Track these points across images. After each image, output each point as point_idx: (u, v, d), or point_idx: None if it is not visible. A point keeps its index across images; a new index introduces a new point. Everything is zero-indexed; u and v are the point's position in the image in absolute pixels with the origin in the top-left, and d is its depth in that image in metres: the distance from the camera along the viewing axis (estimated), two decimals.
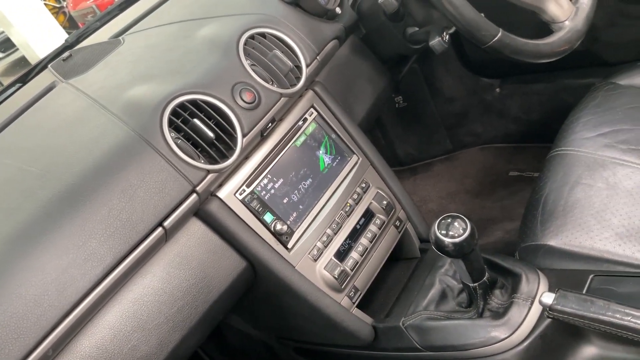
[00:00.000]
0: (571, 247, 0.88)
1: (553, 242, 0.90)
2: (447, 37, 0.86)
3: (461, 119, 1.55)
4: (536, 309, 0.75)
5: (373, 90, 1.01)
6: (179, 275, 0.74)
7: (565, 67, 1.37)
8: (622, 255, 0.84)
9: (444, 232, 0.71)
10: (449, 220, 0.72)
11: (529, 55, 0.80)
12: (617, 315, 0.60)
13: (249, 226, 0.78)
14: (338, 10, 0.94)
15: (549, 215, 0.94)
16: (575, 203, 0.93)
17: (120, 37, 0.94)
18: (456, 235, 0.70)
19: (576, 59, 1.32)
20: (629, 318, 0.59)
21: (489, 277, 0.78)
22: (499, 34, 0.75)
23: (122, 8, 1.11)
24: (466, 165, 1.56)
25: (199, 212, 0.76)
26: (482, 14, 0.74)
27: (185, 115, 0.75)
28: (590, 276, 0.75)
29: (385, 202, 0.91)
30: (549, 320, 0.71)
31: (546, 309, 0.65)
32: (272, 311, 0.89)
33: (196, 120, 0.74)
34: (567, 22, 0.86)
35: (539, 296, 0.75)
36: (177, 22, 0.93)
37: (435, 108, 1.54)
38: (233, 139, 0.77)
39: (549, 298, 0.66)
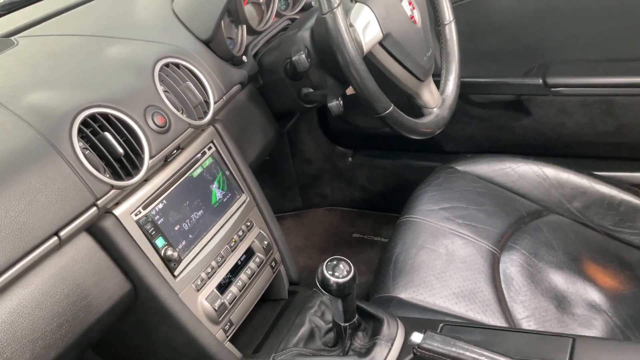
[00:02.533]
0: (418, 301, 1.01)
1: (403, 295, 1.02)
2: (342, 101, 0.97)
3: (314, 181, 1.68)
4: (396, 350, 0.84)
5: (263, 137, 1.08)
6: (62, 291, 0.70)
7: (410, 149, 1.58)
8: (458, 312, 0.99)
9: (330, 272, 0.78)
10: (335, 262, 0.79)
11: (407, 131, 0.94)
12: (475, 355, 0.71)
13: (140, 248, 0.77)
14: (244, 58, 1.01)
15: (400, 272, 1.07)
16: (421, 264, 1.07)
17: (12, 38, 0.89)
18: (340, 276, 0.78)
19: (421, 144, 1.54)
20: (483, 358, 0.71)
21: (358, 319, 0.86)
22: (391, 108, 0.88)
23: (8, 9, 1.05)
24: (314, 224, 1.67)
25: (91, 228, 0.74)
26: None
27: (96, 127, 0.74)
28: (441, 324, 0.87)
29: (265, 243, 0.96)
30: (410, 357, 0.80)
31: (415, 347, 0.75)
32: (140, 343, 0.87)
33: (107, 134, 0.74)
34: (435, 109, 1.03)
35: (399, 338, 0.85)
36: (82, 35, 0.91)
37: (293, 167, 1.64)
38: (140, 158, 0.77)
39: (417, 337, 0.75)
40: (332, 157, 1.66)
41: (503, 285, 1.06)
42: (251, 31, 1.07)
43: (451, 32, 1.10)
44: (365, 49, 0.87)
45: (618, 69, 1.24)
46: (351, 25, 0.84)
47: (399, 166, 1.60)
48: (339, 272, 0.77)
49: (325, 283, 0.77)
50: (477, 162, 1.28)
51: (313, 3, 1.23)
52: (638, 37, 1.23)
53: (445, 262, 1.07)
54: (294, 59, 0.94)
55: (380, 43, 0.91)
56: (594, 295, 1.06)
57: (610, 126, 1.29)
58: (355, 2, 0.90)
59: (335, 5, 0.80)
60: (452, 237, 1.12)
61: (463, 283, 1.04)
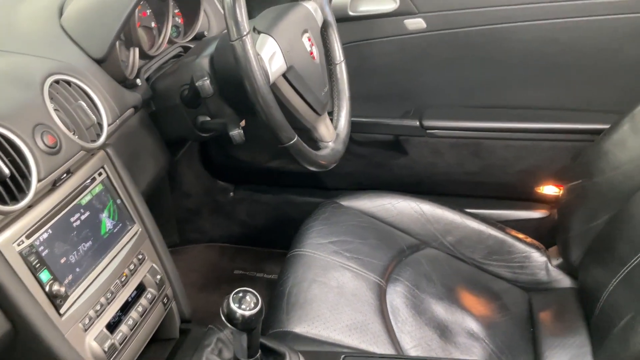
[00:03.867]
0: (313, 335, 1.01)
1: (298, 330, 1.01)
2: (242, 131, 0.96)
3: (193, 215, 1.62)
4: None
5: (155, 165, 1.02)
6: None
7: (292, 185, 1.60)
8: (352, 344, 1.00)
9: (237, 304, 0.74)
10: (241, 294, 0.76)
11: (307, 162, 0.95)
12: None
13: (22, 283, 0.68)
14: (138, 81, 0.96)
15: (293, 306, 1.06)
16: (314, 297, 1.07)
17: None
18: (247, 308, 0.75)
19: (302, 180, 1.57)
20: None
21: (260, 354, 0.83)
22: (295, 139, 0.88)
23: None
24: (192, 260, 1.61)
25: None
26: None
27: None
28: (342, 356, 0.87)
29: (158, 277, 0.90)
30: None
31: None
32: None
33: None
34: (331, 143, 1.05)
35: None
36: None
37: (171, 200, 1.57)
38: (27, 181, 0.69)
39: None
40: (213, 192, 1.62)
41: (391, 317, 1.09)
42: (143, 55, 1.02)
43: (342, 71, 1.15)
44: (271, 79, 0.87)
45: (485, 115, 1.37)
46: (257, 55, 0.83)
47: (281, 202, 1.60)
48: (246, 304, 0.74)
49: (231, 316, 0.74)
50: (360, 198, 1.33)
51: (206, 33, 1.21)
52: (502, 87, 1.37)
53: (337, 295, 1.09)
54: (197, 84, 0.91)
55: (284, 75, 0.91)
56: (472, 324, 1.13)
57: (477, 166, 1.41)
58: (259, 32, 0.90)
59: (245, 33, 0.80)
60: (342, 270, 1.14)
61: (355, 316, 1.06)
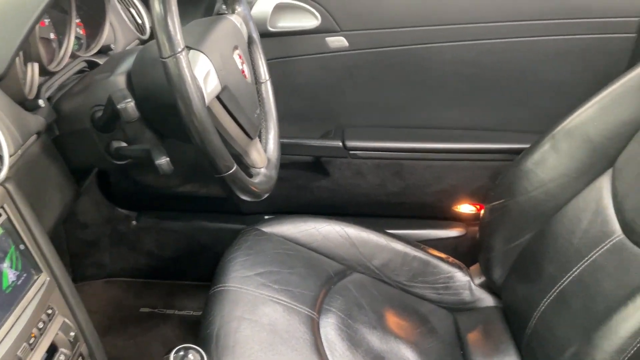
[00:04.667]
0: None
1: None
2: (169, 159, 0.84)
3: (90, 248, 1.45)
4: None
5: (61, 199, 0.87)
6: None
7: (203, 210, 1.48)
8: None
9: None
10: (183, 353, 0.66)
11: (245, 192, 0.86)
12: None
13: None
14: (41, 102, 0.81)
15: (223, 351, 0.96)
16: (246, 339, 0.98)
17: None
18: None
19: (215, 204, 1.46)
20: None
21: None
22: (234, 168, 0.79)
23: None
24: (90, 299, 1.43)
25: None
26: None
27: None
28: None
29: (72, 334, 0.76)
30: None
31: None
32: None
33: None
34: (263, 169, 0.97)
35: None
36: None
37: (64, 233, 1.39)
38: None
39: None
40: (113, 220, 1.46)
41: (327, 353, 1.03)
42: (43, 71, 0.87)
43: (267, 90, 1.08)
44: (207, 100, 0.78)
45: (407, 135, 1.36)
46: (193, 74, 0.73)
47: (192, 229, 1.48)
48: None
49: None
50: (283, 223, 1.26)
51: (112, 46, 1.08)
52: (424, 107, 1.37)
53: (270, 333, 1.00)
54: (119, 107, 0.78)
55: (218, 96, 0.82)
56: (406, 353, 1.09)
57: (399, 187, 1.40)
58: (189, 48, 0.80)
59: (179, 49, 0.70)
60: (272, 304, 1.06)
61: (291, 355, 0.98)
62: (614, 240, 0.97)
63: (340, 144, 1.34)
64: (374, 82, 1.34)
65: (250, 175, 0.94)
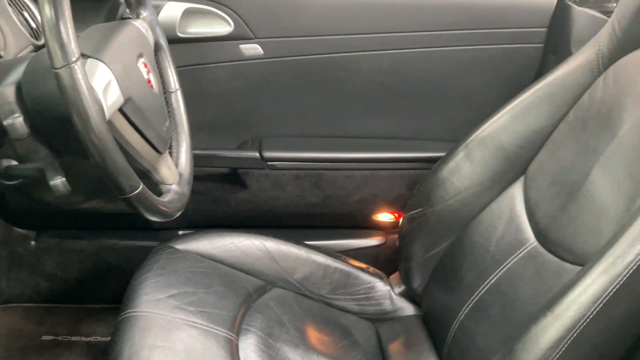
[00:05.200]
0: None
1: None
2: (65, 178, 0.76)
3: None
4: None
5: None
6: None
7: (110, 227, 1.39)
8: None
9: None
10: None
11: (150, 212, 0.79)
12: None
13: None
14: None
15: None
16: None
17: None
18: None
19: (123, 220, 1.37)
20: None
21: None
22: (140, 187, 0.73)
23: None
24: None
25: None
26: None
27: None
28: None
29: None
30: None
31: None
32: None
33: None
34: (174, 186, 0.91)
35: None
36: None
37: None
38: None
39: None
40: (8, 241, 1.33)
41: None
42: None
43: (178, 100, 1.02)
44: (107, 114, 0.71)
45: (326, 145, 1.34)
46: (90, 85, 0.66)
47: (99, 248, 1.38)
48: None
49: None
50: (198, 239, 1.20)
51: (2, 53, 0.97)
52: (342, 117, 1.35)
53: None
54: (5, 123, 0.70)
55: (121, 109, 0.75)
56: None
57: (318, 197, 1.37)
58: (87, 57, 0.73)
59: (74, 58, 0.63)
60: (187, 328, 1.00)
61: None
62: (528, 248, 0.99)
63: (258, 154, 1.30)
64: (291, 90, 1.31)
65: (160, 193, 0.88)
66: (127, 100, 0.76)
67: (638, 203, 0.76)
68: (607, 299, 0.72)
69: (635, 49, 0.92)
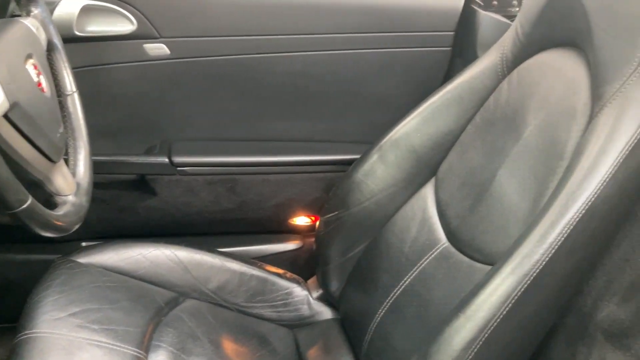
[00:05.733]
0: None
1: None
2: None
3: None
4: None
5: None
6: None
7: (6, 239, 1.29)
8: None
9: None
10: None
11: (42, 227, 0.73)
12: None
13: None
14: None
15: None
16: None
17: None
18: None
19: (18, 232, 1.26)
20: None
21: None
22: (29, 202, 0.66)
23: None
24: None
25: None
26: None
27: None
28: None
29: None
30: None
31: None
32: None
33: None
34: (71, 197, 0.84)
35: None
36: None
37: None
38: None
39: None
40: None
41: None
42: None
43: (75, 104, 0.95)
44: None
45: (241, 149, 1.30)
46: None
47: None
48: None
49: None
50: (103, 251, 1.13)
51: None
52: (257, 119, 1.32)
53: None
54: None
55: (6, 115, 0.68)
56: None
57: (234, 203, 1.33)
58: None
59: None
60: (91, 348, 0.94)
61: None
62: (440, 248, 1.00)
63: (167, 159, 1.24)
64: (201, 92, 1.26)
65: (55, 206, 0.81)
66: (13, 106, 0.69)
67: (543, 203, 0.78)
68: (516, 298, 0.73)
69: (537, 52, 0.95)
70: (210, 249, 1.21)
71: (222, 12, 1.18)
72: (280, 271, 1.26)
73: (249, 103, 1.29)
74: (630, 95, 0.74)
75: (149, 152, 1.27)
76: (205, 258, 1.19)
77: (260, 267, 1.24)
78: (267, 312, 1.23)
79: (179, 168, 1.25)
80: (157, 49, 1.18)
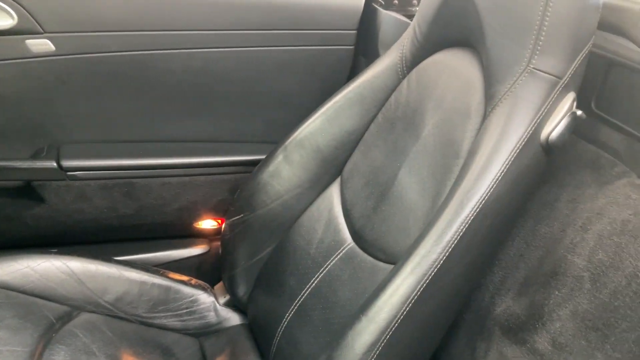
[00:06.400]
0: None
1: None
2: None
3: None
4: None
5: None
6: None
7: None
8: None
9: None
10: None
11: None
12: None
13: None
14: None
15: None
16: None
17: None
18: None
19: None
20: None
21: None
22: None
23: None
24: None
25: None
26: None
27: None
28: None
29: None
30: None
31: None
32: None
33: None
34: None
35: None
36: None
37: None
38: None
39: None
40: None
41: None
42: None
43: None
44: None
45: (138, 151, 1.23)
46: None
47: None
48: None
49: None
50: None
51: None
52: (155, 120, 1.25)
53: None
54: None
55: None
56: None
57: (131, 208, 1.27)
58: None
59: None
60: None
61: None
62: (346, 249, 0.99)
63: (55, 164, 1.15)
64: (91, 91, 1.17)
65: None
66: None
67: (441, 202, 0.79)
68: (416, 297, 0.74)
69: (434, 52, 0.97)
70: (107, 258, 1.14)
71: (112, 5, 1.10)
72: (185, 278, 1.21)
73: (145, 102, 1.22)
74: (520, 95, 0.77)
75: (35, 156, 1.18)
76: (100, 268, 1.12)
77: (163, 275, 1.18)
78: (171, 322, 1.17)
79: (69, 173, 1.17)
80: (40, 45, 1.09)
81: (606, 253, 0.76)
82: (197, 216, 1.36)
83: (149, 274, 1.16)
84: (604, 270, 0.76)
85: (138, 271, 1.16)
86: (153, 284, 1.16)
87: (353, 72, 1.32)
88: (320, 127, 1.07)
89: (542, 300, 0.83)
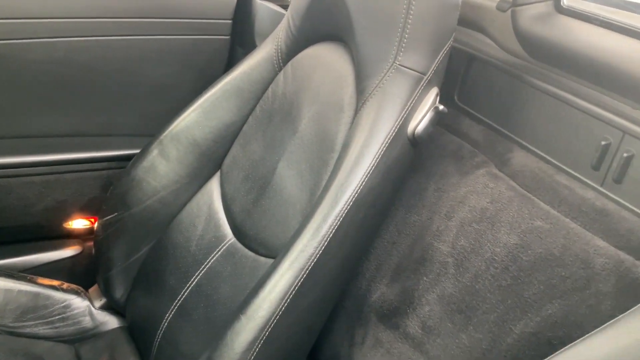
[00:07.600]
0: None
1: None
2: None
3: None
4: None
5: None
6: None
7: None
8: None
9: None
10: None
11: None
12: None
13: None
14: None
15: None
16: None
17: None
18: None
19: None
20: None
21: None
22: None
23: None
24: None
25: None
26: None
27: None
28: None
29: None
30: None
31: None
32: None
33: None
34: None
35: None
36: None
37: None
38: None
39: None
40: None
41: None
42: None
43: None
44: None
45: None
46: None
47: None
48: None
49: None
50: None
51: None
52: (14, 114, 1.16)
53: None
54: None
55: None
56: None
57: None
58: None
59: None
60: None
61: None
62: (227, 245, 0.99)
63: None
64: None
65: None
66: None
67: (318, 195, 0.81)
68: (294, 292, 0.75)
69: (308, 45, 0.98)
70: None
71: None
72: (56, 282, 1.15)
73: (2, 96, 1.13)
74: (388, 91, 0.80)
75: None
76: None
77: (30, 281, 1.11)
78: (43, 330, 1.11)
79: None
80: None
81: (467, 239, 0.83)
82: (67, 216, 1.29)
83: (14, 280, 1.09)
84: (466, 256, 0.82)
85: (2, 278, 1.08)
86: (20, 291, 1.09)
87: (230, 63, 1.30)
88: (196, 120, 1.05)
89: (412, 286, 0.88)
